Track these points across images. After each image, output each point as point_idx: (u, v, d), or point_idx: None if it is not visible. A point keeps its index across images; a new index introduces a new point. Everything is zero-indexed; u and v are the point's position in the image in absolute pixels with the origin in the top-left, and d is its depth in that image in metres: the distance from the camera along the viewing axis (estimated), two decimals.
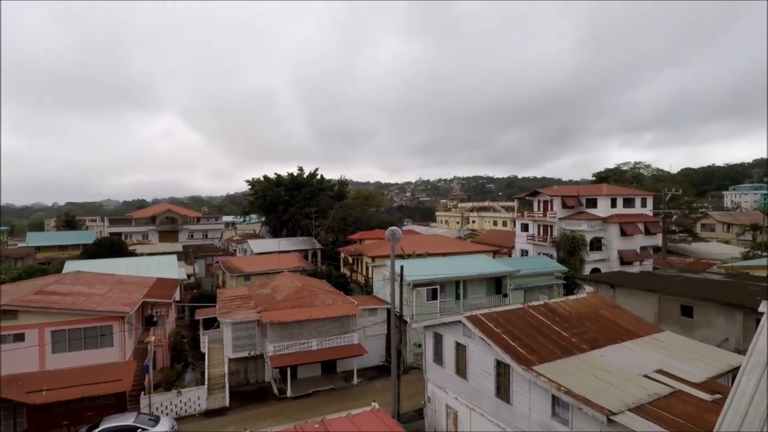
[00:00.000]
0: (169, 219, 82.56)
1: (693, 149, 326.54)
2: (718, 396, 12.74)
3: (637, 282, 27.73)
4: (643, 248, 48.74)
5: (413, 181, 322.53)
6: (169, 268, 38.91)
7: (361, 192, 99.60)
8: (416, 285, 30.07)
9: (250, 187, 78.19)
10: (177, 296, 35.83)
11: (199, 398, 24.50)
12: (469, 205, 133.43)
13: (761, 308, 6.62)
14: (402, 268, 23.71)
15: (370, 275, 41.22)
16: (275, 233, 73.71)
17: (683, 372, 14.87)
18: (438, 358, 20.25)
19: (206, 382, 25.65)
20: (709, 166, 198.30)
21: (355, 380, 28.20)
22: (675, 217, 58.20)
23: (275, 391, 27.09)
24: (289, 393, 26.31)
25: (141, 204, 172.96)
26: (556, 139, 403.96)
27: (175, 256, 44.29)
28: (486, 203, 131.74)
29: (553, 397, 14.03)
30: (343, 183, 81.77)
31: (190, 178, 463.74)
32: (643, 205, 51.64)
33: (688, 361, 15.91)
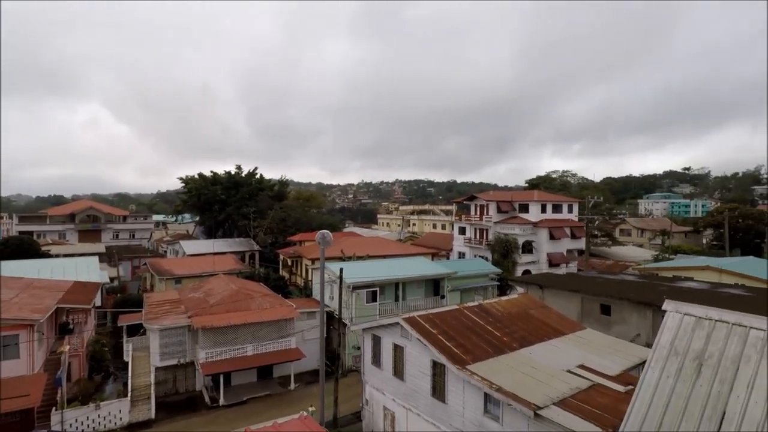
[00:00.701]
0: (90, 217, 76.33)
1: (614, 160, 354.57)
2: (630, 387, 13.81)
3: (563, 283, 29.52)
4: (569, 251, 52.04)
5: (355, 183, 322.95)
6: (89, 270, 35.92)
7: (302, 193, 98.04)
8: (356, 287, 30.03)
9: (183, 184, 74.27)
10: (98, 301, 33.18)
11: (120, 411, 22.78)
12: (410, 208, 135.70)
13: (665, 306, 7.28)
14: (341, 270, 23.58)
15: (309, 278, 40.60)
16: (210, 234, 70.55)
17: (602, 366, 16.01)
18: (376, 360, 20.31)
19: (129, 394, 23.93)
20: (627, 176, 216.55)
21: (293, 385, 27.60)
22: (597, 222, 62.87)
23: (207, 399, 25.86)
24: (221, 401, 25.22)
25: (58, 200, 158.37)
26: (494, 146, 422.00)
27: (96, 258, 41.00)
28: (426, 206, 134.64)
29: (486, 395, 14.54)
30: (283, 183, 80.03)
31: (116, 174, 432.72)
32: (570, 210, 55.21)
33: (606, 356, 17.15)
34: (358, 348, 25.25)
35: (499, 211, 52.92)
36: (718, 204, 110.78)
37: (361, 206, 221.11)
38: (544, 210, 52.78)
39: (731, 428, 5.92)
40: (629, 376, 15.42)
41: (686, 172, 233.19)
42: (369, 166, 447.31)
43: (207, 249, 53.24)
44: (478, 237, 54.37)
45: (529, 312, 20.70)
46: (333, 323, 31.15)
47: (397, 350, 18.84)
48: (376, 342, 20.24)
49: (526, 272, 47.31)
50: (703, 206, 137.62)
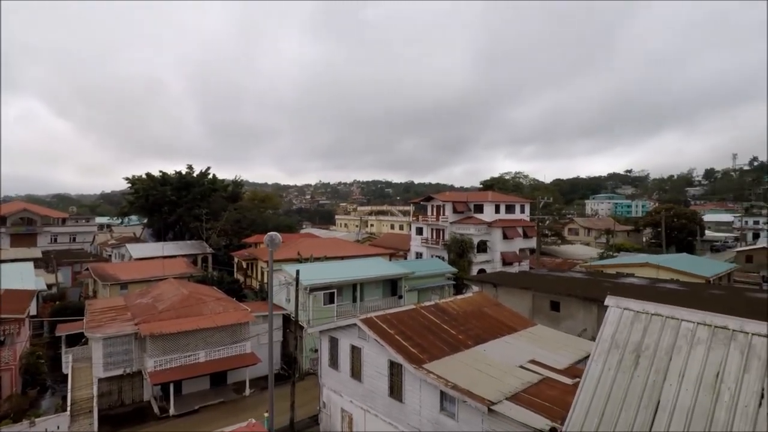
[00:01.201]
0: (24, 220, 70.99)
1: (563, 162, 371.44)
2: (577, 380, 14.45)
3: (515, 281, 30.51)
4: (521, 250, 53.87)
5: (313, 183, 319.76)
6: (23, 277, 33.41)
7: (257, 193, 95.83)
8: (313, 289, 29.69)
9: (130, 185, 70.62)
10: (33, 310, 30.92)
11: (59, 427, 21.29)
12: (368, 208, 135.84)
13: (606, 302, 7.68)
14: (298, 272, 23.24)
15: (265, 280, 39.72)
16: (159, 236, 67.54)
17: (551, 360, 16.66)
18: (333, 362, 20.17)
19: (69, 408, 22.43)
20: (575, 178, 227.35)
21: (248, 391, 26.89)
22: (548, 222, 65.45)
23: (156, 410, 24.70)
24: (171, 411, 24.17)
25: None
26: (451, 147, 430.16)
27: (31, 264, 38.23)
28: (384, 207, 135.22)
29: (442, 393, 14.76)
30: (238, 183, 77.90)
31: (54, 173, 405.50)
32: (522, 211, 57.18)
33: (555, 350, 17.86)
34: (316, 351, 24.98)
35: (455, 211, 53.98)
36: (656, 204, 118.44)
37: (318, 207, 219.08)
38: (497, 210, 54.35)
39: (665, 415, 6.33)
40: (576, 369, 16.13)
41: (628, 174, 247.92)
42: (327, 167, 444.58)
43: (156, 252, 50.93)
44: (434, 237, 55.20)
45: (483, 310, 21.22)
46: (290, 326, 30.65)
47: (355, 351, 18.79)
48: (334, 344, 20.10)
49: (481, 271, 48.53)
50: (643, 206, 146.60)
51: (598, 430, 6.72)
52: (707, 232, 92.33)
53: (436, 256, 49.63)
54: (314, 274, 30.57)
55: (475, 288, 31.69)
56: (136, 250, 53.34)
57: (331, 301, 30.79)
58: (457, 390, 13.81)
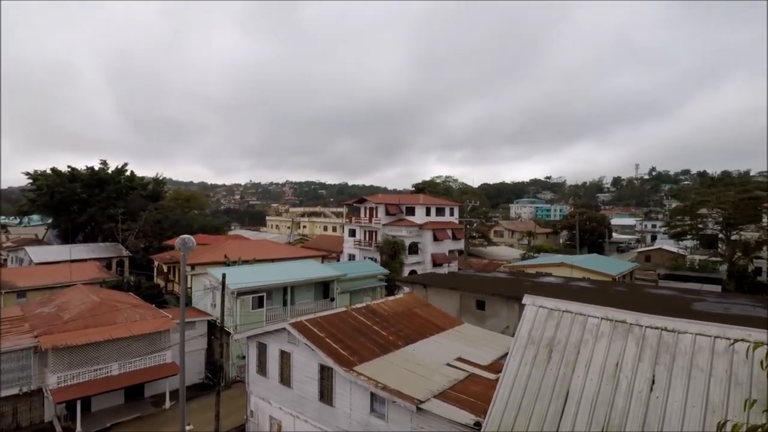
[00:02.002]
0: None
1: (491, 168, 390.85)
2: (499, 375, 15.24)
3: (444, 282, 31.51)
4: (450, 251, 55.80)
5: (243, 183, 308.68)
6: None
7: (181, 192, 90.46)
8: (241, 293, 28.60)
9: (31, 181, 63.67)
10: None
11: None
12: (301, 210, 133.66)
13: (524, 300, 8.19)
14: (224, 276, 22.26)
15: (189, 285, 37.61)
16: (67, 238, 61.49)
17: (477, 357, 17.39)
18: (262, 368, 19.55)
19: None
20: (501, 183, 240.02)
21: (168, 404, 25.25)
22: (475, 224, 68.34)
23: (59, 430, 22.41)
24: (78, 430, 22.06)
25: None
26: (386, 150, 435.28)
27: None
28: (317, 209, 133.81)
29: (372, 394, 14.85)
30: (159, 182, 73.08)
31: None
32: (452, 214, 59.27)
33: (480, 347, 18.68)
34: (243, 357, 24.05)
35: (388, 213, 54.70)
36: (572, 209, 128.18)
37: (248, 208, 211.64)
38: (428, 213, 55.87)
39: (573, 404, 6.87)
40: (499, 365, 16.95)
41: (548, 180, 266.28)
42: (258, 166, 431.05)
43: (62, 256, 46.29)
44: (367, 239, 55.53)
45: (413, 310, 21.66)
46: (215, 332, 29.26)
47: (284, 357, 18.36)
48: (262, 350, 19.49)
49: (413, 272, 49.58)
50: (560, 210, 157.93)
51: (515, 422, 7.13)
52: (614, 235, 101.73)
53: (369, 258, 49.94)
54: (242, 277, 29.47)
55: (407, 289, 32.30)
56: (37, 253, 48.14)
57: (260, 306, 29.84)
58: (387, 390, 13.96)
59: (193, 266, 37.34)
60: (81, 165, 67.00)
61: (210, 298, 30.46)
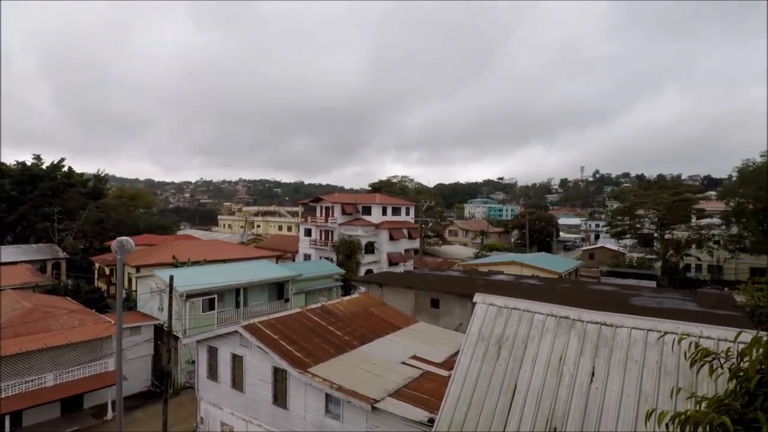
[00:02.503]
0: None
1: (445, 168, 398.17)
2: (452, 371, 15.60)
3: (399, 281, 31.82)
4: (406, 251, 56.38)
5: (194, 181, 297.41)
6: None
7: (126, 190, 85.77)
8: (190, 296, 27.57)
9: None
10: None
11: None
12: (255, 209, 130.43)
13: (475, 299, 8.43)
14: (172, 278, 21.37)
15: (134, 288, 35.80)
16: None
17: (431, 355, 17.70)
18: (213, 373, 18.94)
19: None
20: (455, 183, 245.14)
21: (110, 414, 23.93)
22: (430, 224, 69.41)
23: None
24: None
25: None
26: (342, 149, 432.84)
27: None
28: (272, 208, 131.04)
29: (327, 395, 14.77)
30: (101, 178, 69.05)
31: None
32: (408, 213, 59.91)
33: (434, 345, 19.02)
34: (193, 362, 23.20)
35: (344, 213, 54.51)
36: (522, 209, 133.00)
37: (199, 206, 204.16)
38: (385, 212, 56.17)
39: (520, 397, 7.16)
40: (452, 362, 17.32)
41: (500, 181, 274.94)
42: (210, 164, 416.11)
43: None
44: (323, 238, 55.08)
45: (369, 310, 21.73)
46: (163, 337, 28.03)
47: (236, 360, 17.88)
48: (213, 354, 18.88)
49: (369, 272, 49.68)
50: (512, 210, 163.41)
51: (466, 417, 7.34)
52: (561, 234, 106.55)
53: (325, 258, 49.56)
54: (192, 279, 28.44)
55: (362, 288, 32.33)
56: None
57: (211, 308, 28.90)
58: (342, 391, 13.94)
59: (138, 268, 35.60)
60: (10, 159, 62.10)
61: (157, 301, 29.16)
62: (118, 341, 12.15)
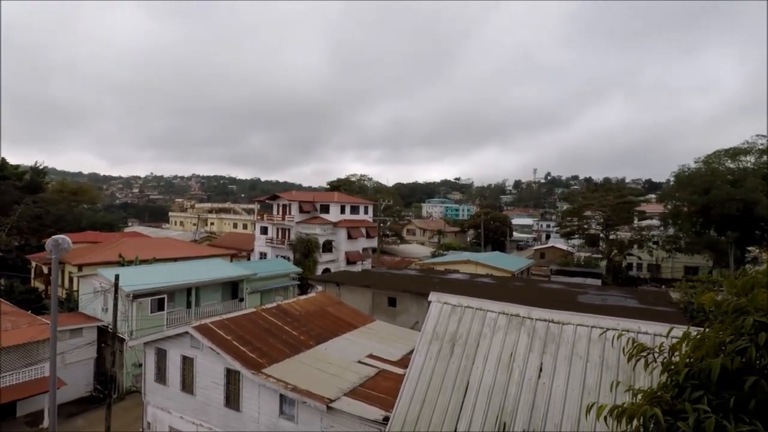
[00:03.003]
0: None
1: (405, 168, 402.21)
2: (407, 370, 15.77)
3: (357, 279, 31.79)
4: (364, 249, 56.42)
5: (143, 175, 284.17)
6: None
7: (67, 184, 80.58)
8: (137, 296, 26.34)
9: None
10: None
11: None
12: (209, 205, 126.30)
13: (430, 298, 8.57)
14: (117, 277, 20.35)
15: (75, 288, 33.75)
16: None
17: (388, 353, 17.80)
18: (161, 376, 18.17)
19: None
20: (414, 183, 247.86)
21: (46, 422, 22.45)
22: (388, 223, 69.83)
23: None
24: None
25: None
26: (302, 146, 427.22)
27: None
28: (227, 205, 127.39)
29: (281, 396, 14.53)
30: (39, 171, 64.52)
31: None
32: (366, 212, 59.95)
33: (391, 343, 19.14)
34: (140, 365, 22.20)
35: (302, 211, 53.83)
36: (478, 209, 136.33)
37: (149, 203, 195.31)
38: (343, 211, 55.94)
39: (473, 394, 7.36)
40: (408, 360, 17.52)
41: (457, 181, 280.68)
42: (162, 158, 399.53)
43: None
44: (280, 237, 54.15)
45: (326, 309, 21.57)
46: (107, 339, 26.61)
47: (187, 362, 17.25)
48: (161, 356, 18.12)
49: (326, 270, 49.31)
50: (468, 210, 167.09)
51: (420, 414, 7.45)
52: (515, 234, 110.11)
53: (282, 256, 48.73)
54: (139, 278, 27.18)
55: (320, 287, 32.05)
56: None
57: (161, 309, 27.74)
58: (297, 391, 13.76)
59: (80, 267, 33.62)
60: None
61: (101, 301, 27.67)
62: (53, 344, 11.40)
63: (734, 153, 47.83)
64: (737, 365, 3.38)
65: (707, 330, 3.92)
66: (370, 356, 17.21)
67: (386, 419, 11.37)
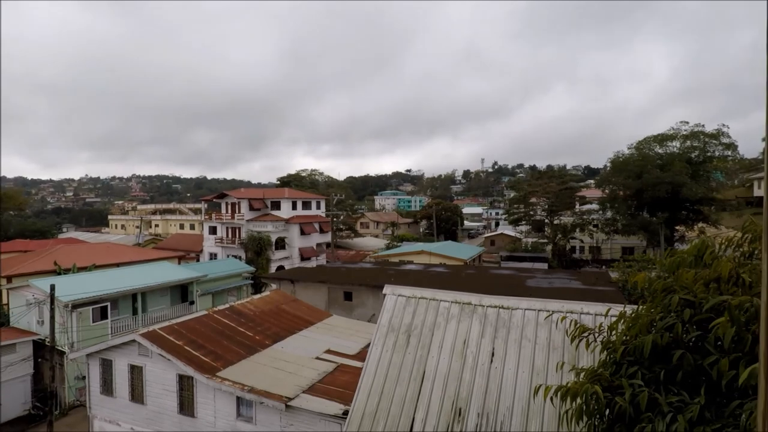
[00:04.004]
0: None
1: (356, 161, 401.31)
2: (364, 363, 15.88)
3: (312, 275, 31.50)
4: (318, 245, 55.92)
5: (77, 178, 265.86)
6: None
7: None
8: (77, 305, 24.74)
9: None
10: None
11: None
12: (152, 207, 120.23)
13: (384, 291, 8.66)
14: (53, 287, 19.01)
15: (5, 301, 31.16)
16: None
17: (345, 348, 17.83)
18: (107, 387, 17.24)
19: None
20: (365, 176, 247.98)
21: None
22: (342, 217, 69.54)
23: None
24: None
25: None
26: (249, 142, 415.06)
27: None
28: (172, 205, 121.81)
29: (238, 398, 14.22)
30: None
31: None
32: (318, 207, 59.33)
33: (349, 337, 19.18)
34: (83, 378, 20.93)
35: (252, 208, 52.47)
36: (430, 200, 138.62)
37: (85, 206, 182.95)
38: (295, 207, 55.07)
39: (428, 383, 7.54)
40: (366, 353, 17.66)
41: (409, 173, 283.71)
42: (99, 159, 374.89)
43: None
44: (230, 236, 52.57)
45: (281, 307, 21.26)
46: (45, 354, 24.86)
47: (135, 371, 16.46)
48: (107, 367, 17.18)
49: (280, 268, 48.47)
50: (420, 201, 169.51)
51: (378, 406, 7.54)
52: (465, 222, 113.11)
53: (233, 256, 47.33)
54: (78, 286, 25.53)
55: (274, 286, 31.47)
56: None
57: (104, 317, 26.22)
58: (254, 392, 13.52)
59: (10, 278, 31.06)
60: None
61: (36, 314, 25.76)
62: None
63: (662, 139, 51.50)
64: (666, 340, 3.67)
65: (641, 309, 4.22)
66: (328, 351, 17.17)
67: (346, 413, 11.42)
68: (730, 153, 48.51)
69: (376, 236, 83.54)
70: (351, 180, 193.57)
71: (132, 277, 29.72)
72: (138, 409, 16.47)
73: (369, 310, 26.69)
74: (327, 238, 56.59)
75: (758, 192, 61.70)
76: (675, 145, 51.05)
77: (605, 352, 4.22)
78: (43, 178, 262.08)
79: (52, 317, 19.06)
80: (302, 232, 53.10)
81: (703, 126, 49.24)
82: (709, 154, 49.51)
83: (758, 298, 3.13)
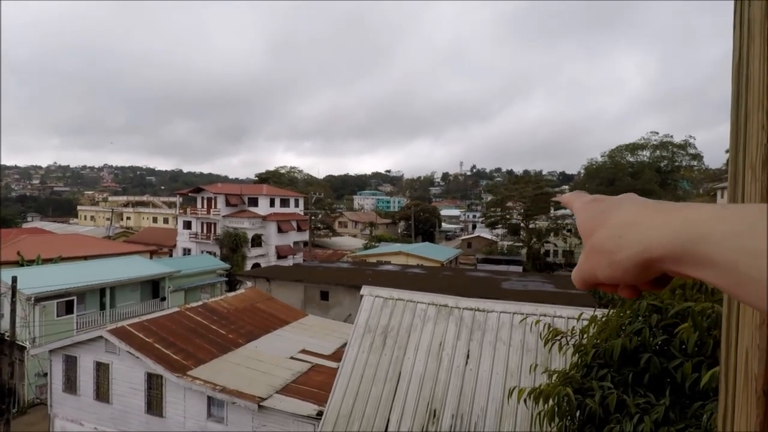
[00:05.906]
0: None
1: (337, 160, 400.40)
2: (340, 364, 15.85)
3: (288, 274, 31.23)
4: (295, 243, 55.45)
5: (45, 165, 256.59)
6: None
7: None
8: (40, 299, 23.87)
9: None
10: None
11: None
12: (124, 199, 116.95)
13: (362, 291, 8.68)
14: (14, 278, 18.31)
15: None
16: None
17: (320, 347, 17.74)
18: (71, 385, 16.71)
19: None
20: (345, 175, 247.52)
21: None
22: (320, 216, 69.16)
23: None
24: None
25: None
26: (228, 136, 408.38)
27: None
28: (145, 198, 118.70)
29: (209, 398, 13.98)
30: None
31: None
32: (296, 205, 58.86)
33: (324, 337, 19.10)
34: (45, 375, 20.20)
35: (228, 204, 51.67)
36: (408, 201, 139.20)
37: (53, 195, 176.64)
38: (273, 204, 54.49)
39: (404, 383, 7.59)
40: (341, 353, 17.60)
41: (388, 173, 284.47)
42: (69, 146, 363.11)
43: None
44: (205, 231, 51.63)
45: (256, 305, 21.00)
46: (3, 348, 23.84)
47: (101, 369, 16.02)
48: (71, 363, 16.66)
49: (256, 265, 47.84)
50: (398, 202, 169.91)
51: (354, 407, 7.55)
52: (443, 224, 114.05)
53: (207, 252, 46.49)
54: (43, 279, 24.67)
55: (249, 283, 31.04)
56: None
57: (69, 312, 25.40)
58: (226, 392, 13.33)
59: None
60: None
61: None
62: None
63: (633, 148, 53.19)
64: (635, 344, 3.79)
65: (611, 313, 4.35)
66: (303, 351, 17.06)
67: (320, 414, 11.36)
68: (696, 163, 50.49)
69: (355, 236, 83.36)
70: (330, 178, 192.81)
71: (101, 271, 28.85)
72: (103, 408, 16.02)
73: (345, 310, 26.62)
74: (305, 236, 56.18)
75: (721, 201, 64.30)
76: (645, 154, 52.79)
77: (577, 355, 4.33)
78: (8, 164, 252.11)
79: (13, 311, 18.34)
80: (279, 230, 52.56)
81: (671, 137, 51.15)
82: (677, 163, 51.42)
83: (719, 305, 3.27)
